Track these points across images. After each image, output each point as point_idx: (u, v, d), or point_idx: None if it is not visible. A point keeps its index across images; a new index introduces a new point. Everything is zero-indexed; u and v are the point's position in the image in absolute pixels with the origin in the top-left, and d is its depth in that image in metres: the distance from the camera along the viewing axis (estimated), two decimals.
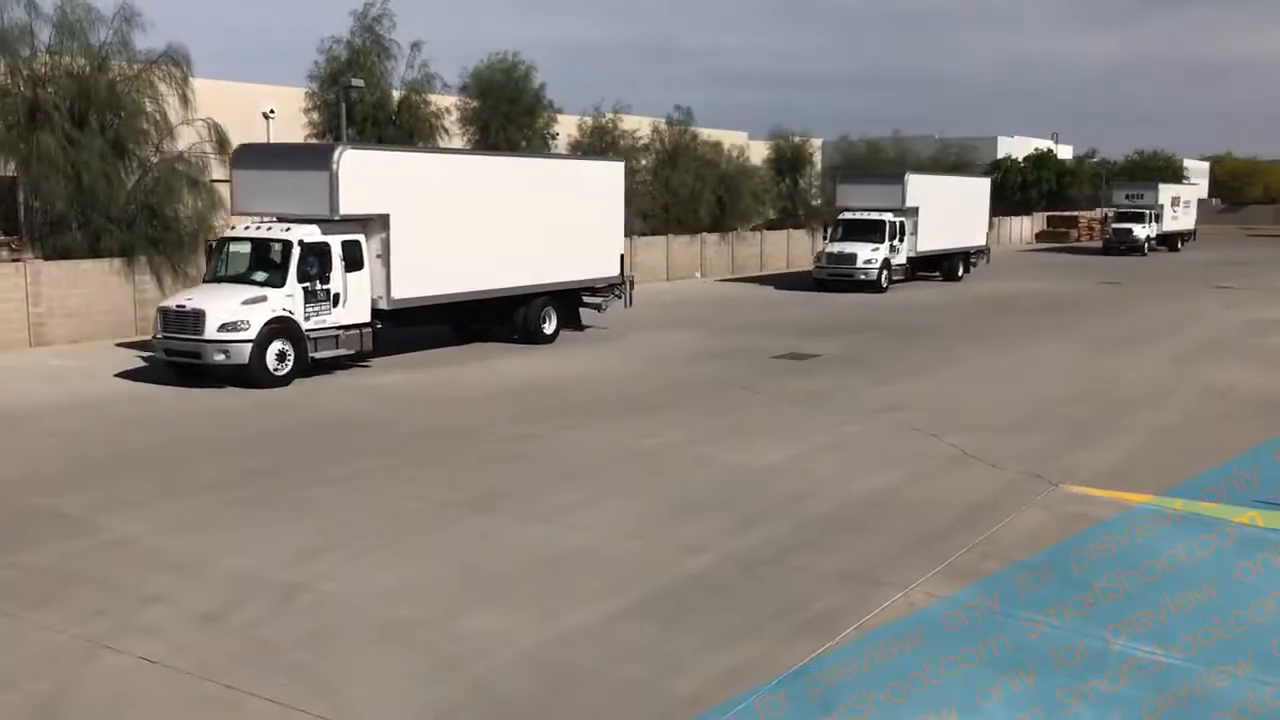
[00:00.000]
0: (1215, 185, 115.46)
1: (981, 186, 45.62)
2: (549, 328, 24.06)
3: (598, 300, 25.79)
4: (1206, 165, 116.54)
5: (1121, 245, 58.99)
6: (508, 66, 35.29)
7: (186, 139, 25.44)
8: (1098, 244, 64.05)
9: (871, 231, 36.45)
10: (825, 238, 38.47)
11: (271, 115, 39.74)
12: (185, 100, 25.25)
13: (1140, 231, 59.82)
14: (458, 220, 21.57)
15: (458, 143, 34.67)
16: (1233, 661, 7.80)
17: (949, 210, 39.81)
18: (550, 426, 15.50)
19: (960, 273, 41.79)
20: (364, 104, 31.07)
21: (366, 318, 20.10)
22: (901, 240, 37.01)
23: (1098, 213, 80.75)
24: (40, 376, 19.37)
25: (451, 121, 33.94)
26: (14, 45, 23.61)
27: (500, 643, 8.13)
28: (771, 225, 48.90)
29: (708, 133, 44.87)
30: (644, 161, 40.70)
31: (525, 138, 35.37)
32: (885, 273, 35.94)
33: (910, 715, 7.04)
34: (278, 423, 15.82)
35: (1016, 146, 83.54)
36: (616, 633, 8.38)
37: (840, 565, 9.82)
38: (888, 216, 36.68)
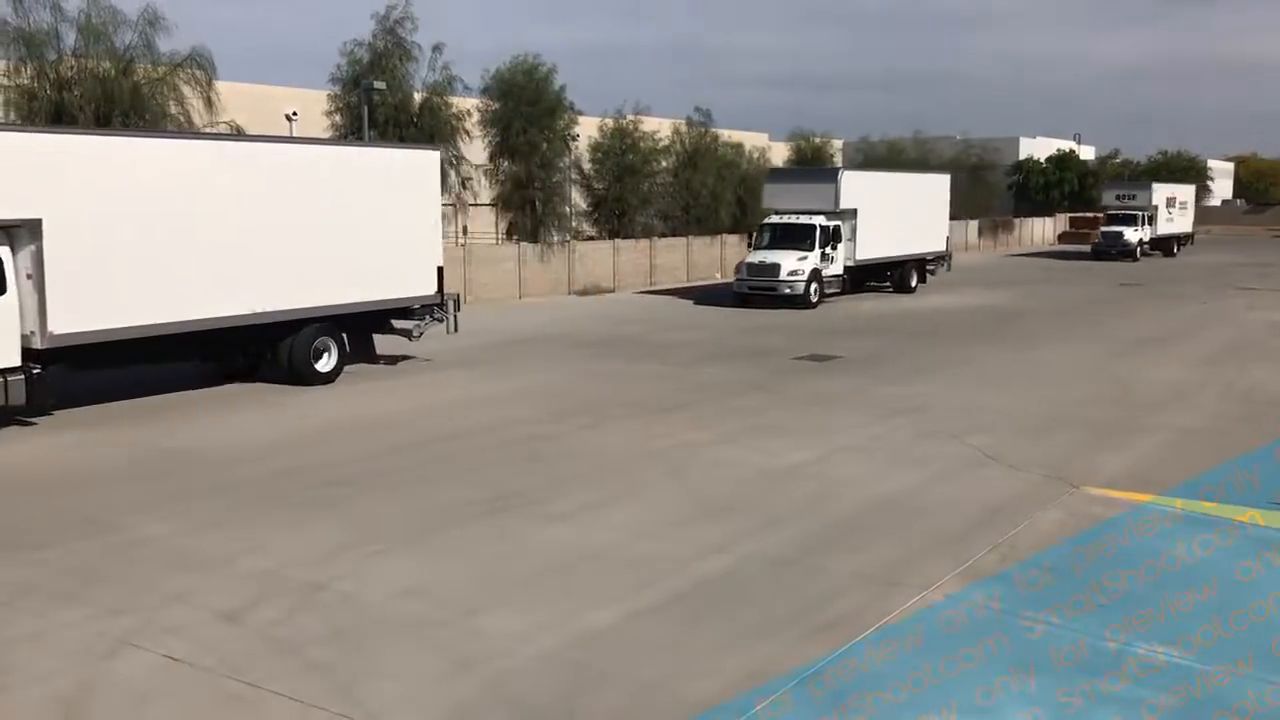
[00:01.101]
0: (1240, 186, 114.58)
1: (938, 184, 40.72)
2: (324, 364, 19.10)
3: (409, 324, 20.86)
4: (1231, 166, 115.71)
5: (1112, 250, 54.95)
6: (529, 68, 35.35)
7: None
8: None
9: (799, 238, 32.41)
10: (750, 245, 34.45)
11: (294, 118, 40.00)
12: (209, 103, 25.48)
13: (1132, 235, 55.63)
14: (166, 227, 16.52)
15: (479, 145, 34.67)
16: (1263, 667, 7.75)
17: (897, 212, 35.79)
18: (571, 427, 15.54)
19: (914, 283, 37.40)
20: (386, 106, 31.17)
21: (14, 360, 14.94)
22: (835, 247, 32.92)
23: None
24: None
25: (473, 123, 34.02)
26: (40, 48, 23.85)
27: (519, 642, 8.16)
28: None
29: (728, 134, 44.87)
30: (665, 163, 40.73)
31: (546, 139, 35.44)
32: (815, 285, 31.92)
33: (929, 717, 7.03)
34: None
35: (1038, 147, 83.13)
36: (636, 633, 8.39)
37: (859, 566, 9.81)
38: (818, 220, 32.60)
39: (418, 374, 20.24)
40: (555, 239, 35.76)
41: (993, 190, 66.89)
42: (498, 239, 38.49)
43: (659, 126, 41.30)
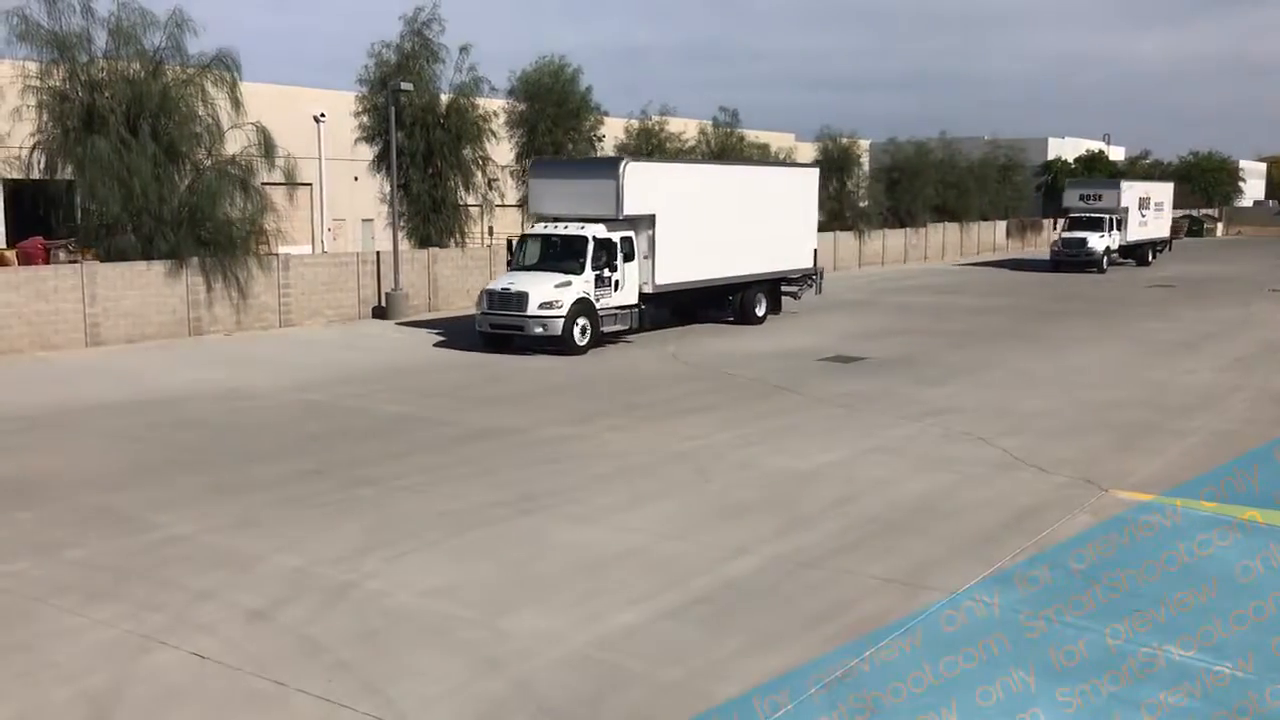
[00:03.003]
0: (1273, 187, 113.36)
1: (800, 181, 30.82)
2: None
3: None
4: (1264, 166, 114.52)
5: (1074, 259, 47.15)
6: (555, 69, 35.39)
7: (237, 143, 25.81)
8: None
9: (566, 256, 23.53)
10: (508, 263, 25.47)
11: (322, 119, 40.19)
12: (236, 104, 25.62)
13: (1097, 242, 47.15)
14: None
15: (505, 145, 34.84)
16: None
17: (731, 217, 26.77)
18: (597, 428, 15.54)
19: (762, 311, 28.27)
20: (413, 107, 31.27)
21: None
22: (615, 268, 23.60)
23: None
24: (117, 375, 19.71)
25: (499, 124, 34.09)
26: (72, 51, 24.06)
27: (546, 642, 8.17)
28: (821, 227, 48.61)
29: (754, 134, 44.79)
30: None
31: (572, 140, 35.45)
32: (585, 322, 22.89)
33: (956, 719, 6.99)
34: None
35: (1067, 148, 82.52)
36: (661, 633, 8.38)
37: (887, 569, 9.76)
38: (592, 232, 23.39)
39: (433, 376, 20.25)
40: None
41: (1021, 191, 66.24)
42: None
43: (684, 127, 41.28)
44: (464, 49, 32.75)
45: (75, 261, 24.16)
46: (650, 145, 38.86)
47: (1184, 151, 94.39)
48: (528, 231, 25.87)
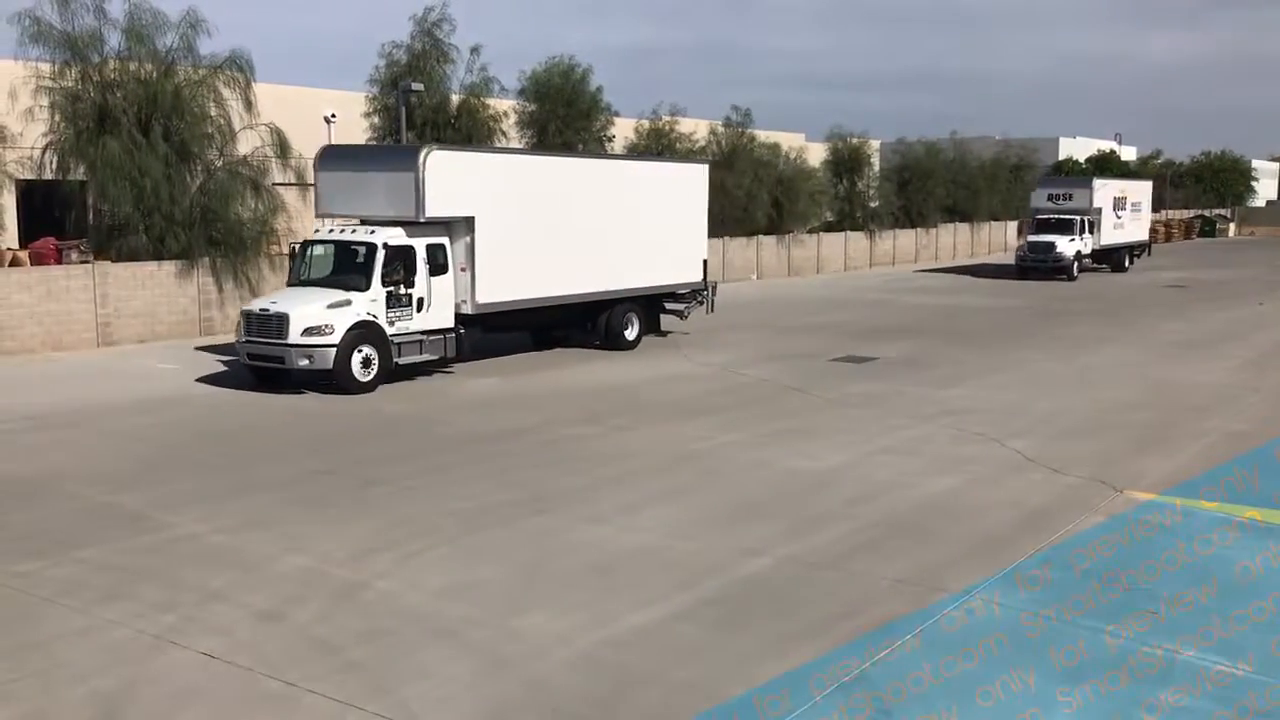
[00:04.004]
0: None
1: (683, 178, 25.62)
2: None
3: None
4: (1276, 166, 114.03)
5: (1041, 265, 42.96)
6: (565, 70, 35.41)
7: (249, 143, 25.84)
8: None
9: (351, 268, 19.13)
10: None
11: (333, 119, 40.25)
12: (248, 105, 25.65)
13: (1067, 246, 42.98)
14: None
15: (515, 145, 34.78)
16: None
17: (580, 222, 22.21)
18: (607, 428, 15.51)
19: (632, 334, 23.74)
20: (423, 108, 31.31)
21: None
22: (410, 284, 18.99)
23: (1162, 214, 79.31)
24: (137, 376, 19.75)
25: (510, 125, 34.09)
26: (85, 51, 24.13)
27: (557, 643, 8.14)
28: (830, 227, 48.61)
29: (765, 134, 44.70)
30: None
31: (582, 140, 35.44)
32: (366, 354, 18.15)
33: None
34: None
35: (1079, 148, 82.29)
36: (672, 635, 8.35)
37: (900, 570, 9.71)
38: (382, 239, 18.83)
39: (450, 374, 20.29)
40: None
41: (1032, 191, 66.00)
42: None
43: (695, 127, 41.24)
44: (474, 49, 32.82)
45: (87, 262, 24.21)
46: (660, 146, 38.80)
47: (1196, 151, 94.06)
48: (311, 236, 20.58)
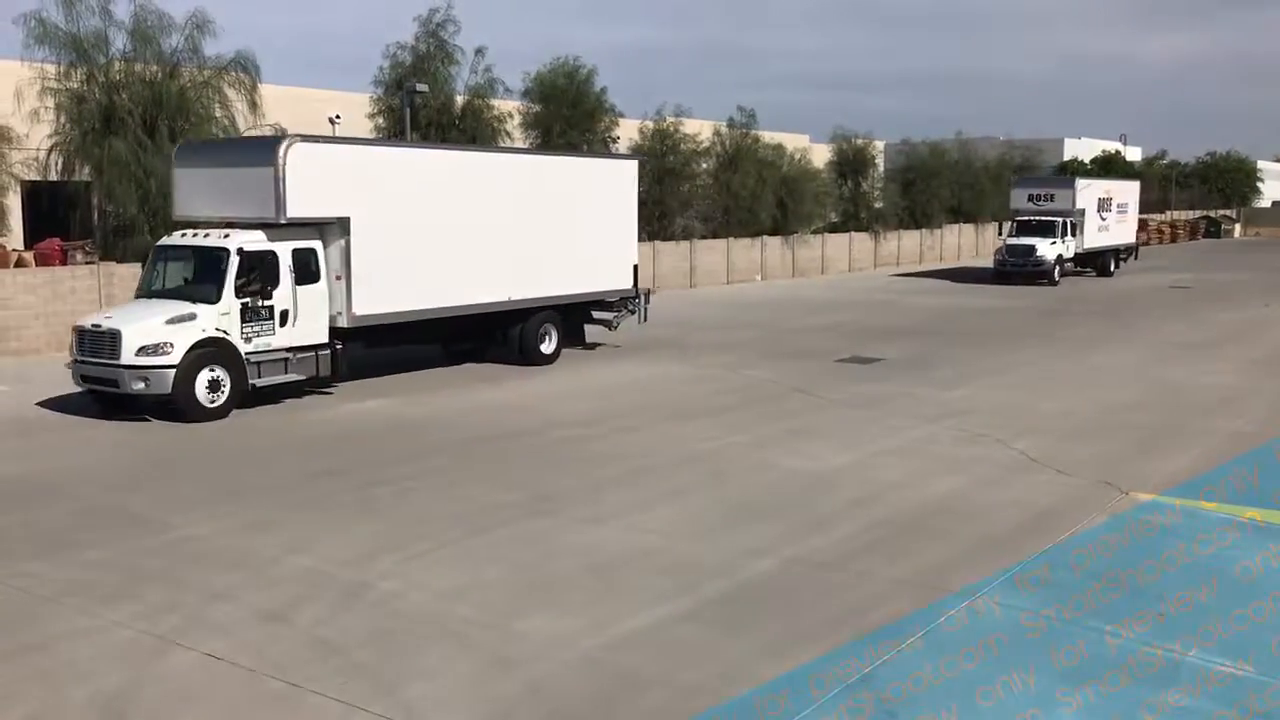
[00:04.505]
0: None
1: (609, 176, 23.72)
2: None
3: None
4: None
5: (1020, 269, 41.03)
6: (569, 71, 35.42)
7: None
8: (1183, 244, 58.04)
9: (202, 277, 17.03)
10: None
11: (337, 120, 40.29)
12: (253, 106, 25.71)
13: (1047, 249, 40.97)
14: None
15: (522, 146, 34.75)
16: None
17: (483, 224, 20.12)
18: (611, 429, 15.51)
19: (550, 348, 21.69)
20: (428, 109, 31.36)
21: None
22: (267, 295, 16.84)
23: (1167, 215, 79.25)
24: None
25: (514, 125, 34.10)
26: (90, 52, 24.18)
27: (560, 645, 8.13)
28: (834, 229, 48.61)
29: (769, 135, 44.70)
30: (705, 165, 40.61)
31: (587, 141, 35.44)
32: (215, 377, 16.10)
33: None
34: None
35: (1083, 149, 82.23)
36: (676, 636, 8.34)
37: (903, 572, 9.70)
38: (238, 243, 16.77)
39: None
40: None
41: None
42: None
43: (700, 128, 41.23)
44: (479, 50, 32.90)
45: (92, 263, 24.25)
46: (665, 147, 38.80)
47: (1201, 152, 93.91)
48: (162, 241, 18.30)
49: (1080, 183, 45.41)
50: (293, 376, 17.25)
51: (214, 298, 16.38)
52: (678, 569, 9.77)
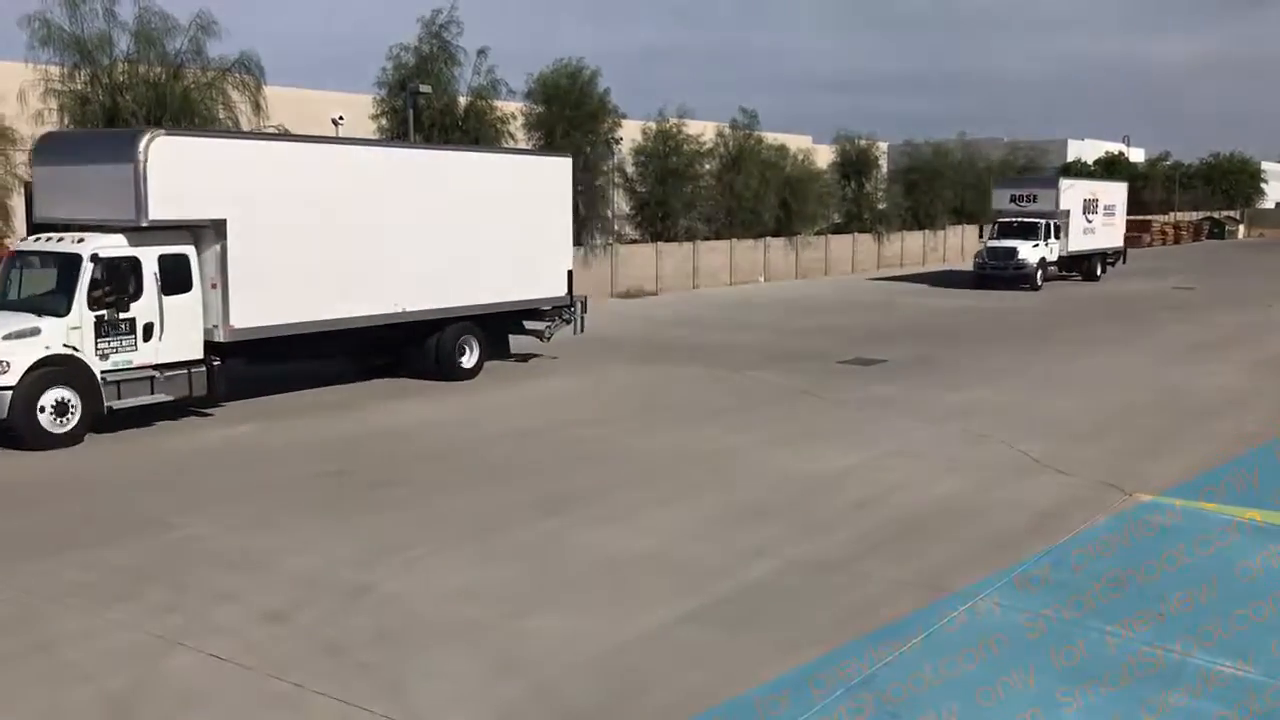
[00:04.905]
0: None
1: (537, 175, 21.93)
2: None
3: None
4: None
5: (1001, 273, 39.24)
6: (572, 72, 35.38)
7: None
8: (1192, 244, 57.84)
9: (45, 289, 15.60)
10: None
11: (340, 121, 40.35)
12: (257, 107, 25.75)
13: (1030, 252, 39.35)
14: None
15: (523, 147, 34.69)
16: None
17: (390, 225, 18.39)
18: (617, 430, 15.52)
19: (471, 361, 19.97)
20: (431, 110, 31.34)
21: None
22: (124, 307, 15.09)
23: (1170, 216, 79.19)
24: None
25: (517, 126, 34.11)
26: (94, 54, 24.24)
27: (565, 645, 8.14)
28: (837, 229, 48.61)
29: (772, 136, 44.69)
30: (708, 166, 40.61)
31: (589, 142, 35.43)
32: (61, 398, 14.34)
33: None
34: None
35: (1087, 150, 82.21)
36: (682, 637, 8.34)
37: (907, 573, 9.70)
38: (93, 249, 15.10)
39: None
40: (598, 242, 35.77)
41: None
42: None
43: (703, 129, 41.24)
44: (482, 51, 32.84)
45: None
46: (668, 148, 38.79)
47: (1205, 153, 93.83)
48: (16, 246, 16.99)
49: (1064, 183, 43.69)
50: (160, 397, 15.38)
51: (63, 310, 14.62)
52: (684, 570, 9.77)
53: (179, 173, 15.33)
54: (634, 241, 38.73)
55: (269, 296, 16.37)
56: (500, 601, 9.01)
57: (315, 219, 17.08)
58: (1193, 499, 11.92)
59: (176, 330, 15.48)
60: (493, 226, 19.88)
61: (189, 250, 15.70)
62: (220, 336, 15.95)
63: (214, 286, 15.88)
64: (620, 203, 39.70)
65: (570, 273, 21.77)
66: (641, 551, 10.27)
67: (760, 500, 12.03)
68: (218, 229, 15.82)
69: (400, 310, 18.45)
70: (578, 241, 34.84)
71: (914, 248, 52.30)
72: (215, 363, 15.92)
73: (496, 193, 20.10)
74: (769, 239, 42.55)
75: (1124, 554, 10.16)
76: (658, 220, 39.28)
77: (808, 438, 15.16)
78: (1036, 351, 23.56)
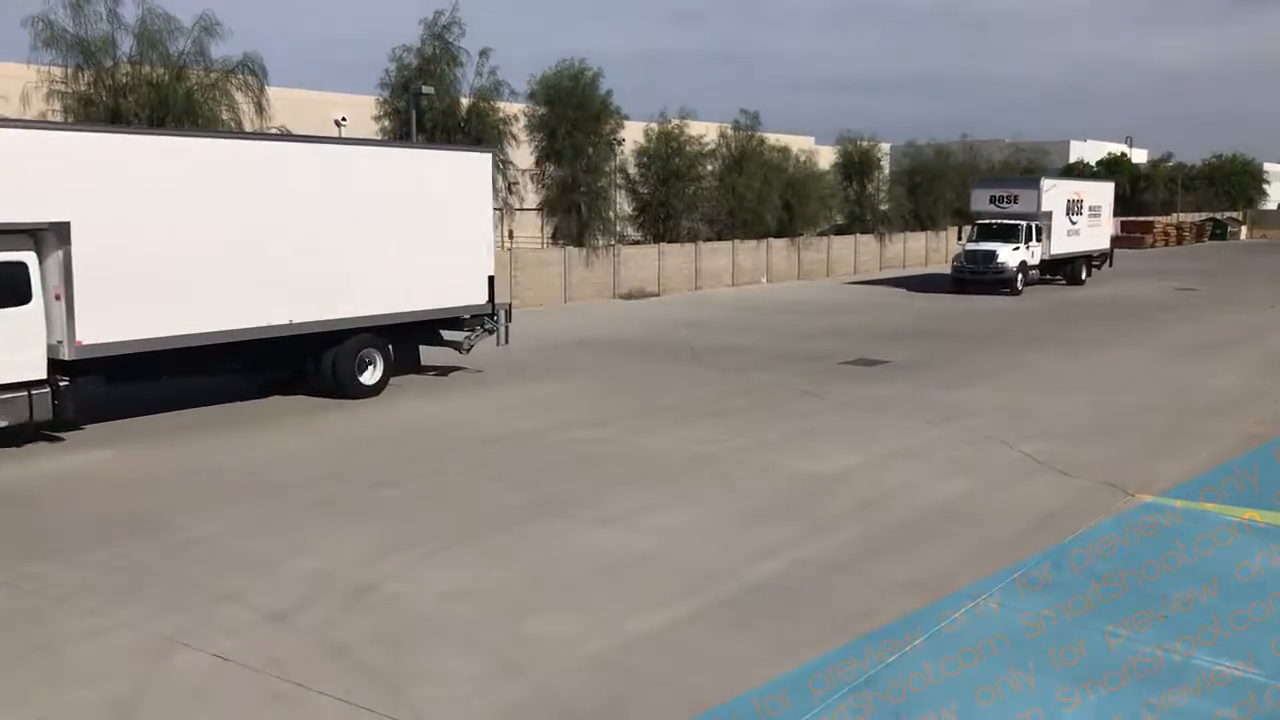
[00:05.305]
0: None
1: (452, 171, 19.73)
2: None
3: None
4: None
5: (980, 276, 37.82)
6: (575, 73, 35.39)
7: None
8: (1185, 246, 57.96)
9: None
10: None
11: (344, 123, 40.42)
12: (260, 108, 25.78)
13: (1010, 255, 37.74)
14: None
15: (525, 149, 34.72)
16: None
17: (271, 226, 16.45)
18: (618, 431, 15.54)
19: (373, 378, 18.12)
20: (433, 111, 31.37)
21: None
22: None
23: (1172, 217, 79.15)
24: None
25: (519, 128, 34.14)
26: (97, 55, 24.28)
27: (567, 646, 8.15)
28: (840, 231, 48.60)
29: (774, 137, 44.68)
30: (710, 167, 40.61)
31: (592, 144, 35.45)
32: None
33: None
34: None
35: (1089, 150, 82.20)
36: (684, 638, 8.36)
37: (910, 573, 9.71)
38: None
39: (464, 379, 20.24)
40: (600, 243, 35.80)
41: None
42: (543, 243, 38.61)
43: (705, 130, 41.24)
44: (484, 53, 32.87)
45: None
46: (670, 149, 38.80)
47: (1208, 154, 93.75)
48: None
49: (1046, 183, 41.63)
50: None
51: None
52: (685, 571, 9.78)
53: (13, 170, 13.41)
54: (636, 243, 38.75)
55: (125, 308, 14.50)
56: (501, 602, 9.03)
57: (179, 221, 15.16)
58: (1193, 499, 11.94)
59: (10, 347, 13.59)
60: (398, 228, 18.01)
61: (27, 257, 13.83)
62: (66, 354, 14.03)
63: (58, 298, 14.00)
64: (622, 204, 39.71)
65: (491, 279, 19.76)
66: (642, 552, 10.29)
67: (762, 501, 12.04)
68: (60, 233, 13.92)
69: (287, 322, 16.47)
70: (580, 242, 35.02)
71: (916, 249, 52.29)
72: (63, 383, 14.08)
73: (402, 191, 18.18)
74: (771, 240, 42.55)
75: (1125, 554, 10.18)
76: (660, 221, 39.28)
77: (811, 438, 15.16)
78: (1039, 351, 23.53)
